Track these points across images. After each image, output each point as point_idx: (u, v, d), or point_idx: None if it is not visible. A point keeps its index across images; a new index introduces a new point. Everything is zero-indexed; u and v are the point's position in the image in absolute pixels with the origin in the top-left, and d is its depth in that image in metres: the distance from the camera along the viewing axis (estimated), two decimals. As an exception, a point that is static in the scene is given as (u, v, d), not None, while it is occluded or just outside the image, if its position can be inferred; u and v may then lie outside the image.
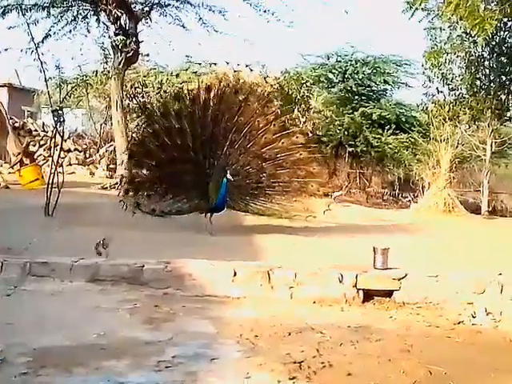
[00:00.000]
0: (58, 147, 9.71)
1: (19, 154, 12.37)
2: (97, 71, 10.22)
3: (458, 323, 4.94)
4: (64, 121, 9.27)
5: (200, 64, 18.40)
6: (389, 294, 5.53)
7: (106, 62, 11.46)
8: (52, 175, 9.38)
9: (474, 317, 5.06)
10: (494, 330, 4.83)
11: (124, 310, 4.87)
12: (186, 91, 14.59)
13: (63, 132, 9.49)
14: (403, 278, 5.51)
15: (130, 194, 8.86)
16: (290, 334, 4.47)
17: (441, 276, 5.55)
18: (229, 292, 5.42)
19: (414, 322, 4.96)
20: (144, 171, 9.01)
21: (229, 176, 8.57)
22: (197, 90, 15.89)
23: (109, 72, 12.37)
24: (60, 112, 9.09)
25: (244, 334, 4.39)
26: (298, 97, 17.52)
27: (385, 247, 5.76)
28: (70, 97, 10.04)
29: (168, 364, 3.78)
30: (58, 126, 9.20)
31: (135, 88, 18.74)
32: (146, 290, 5.42)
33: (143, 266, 5.55)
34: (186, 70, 18.39)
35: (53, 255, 6.00)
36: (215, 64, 18.01)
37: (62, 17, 13.35)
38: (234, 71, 16.72)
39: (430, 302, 5.39)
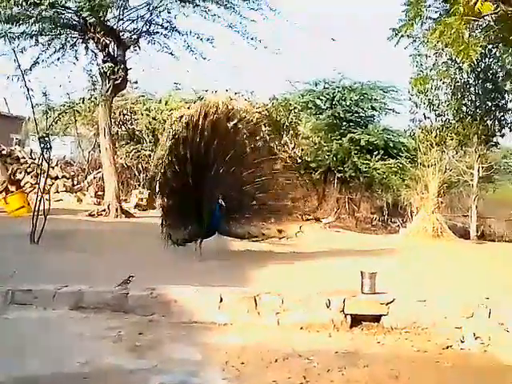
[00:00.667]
0: (45, 174, 9.65)
1: (4, 181, 12.32)
2: (83, 98, 10.19)
3: (447, 347, 4.90)
4: (51, 148, 9.21)
5: (193, 90, 18.42)
6: (377, 318, 5.48)
7: (94, 90, 11.45)
8: (38, 202, 9.28)
9: (462, 341, 5.02)
10: (483, 354, 4.79)
11: (108, 338, 4.79)
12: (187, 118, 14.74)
13: (50, 159, 9.42)
14: (391, 302, 5.48)
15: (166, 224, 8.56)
16: (276, 361, 4.41)
17: (429, 300, 5.52)
18: (215, 318, 5.35)
19: (402, 347, 4.91)
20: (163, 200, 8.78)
21: (221, 201, 8.56)
22: (196, 116, 16.05)
23: (96, 99, 12.36)
24: (47, 139, 9.04)
25: (230, 361, 4.33)
26: (287, 123, 17.59)
27: (372, 272, 5.72)
28: (56, 123, 10.00)
29: (153, 392, 3.71)
30: (44, 153, 9.14)
31: (124, 115, 18.80)
32: (131, 317, 5.34)
33: (127, 293, 5.48)
34: (174, 97, 18.44)
35: (37, 282, 5.92)
36: (206, 91, 18.06)
37: (50, 45, 13.39)
38: (230, 98, 16.78)
39: (418, 326, 5.35)
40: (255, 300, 5.45)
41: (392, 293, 5.64)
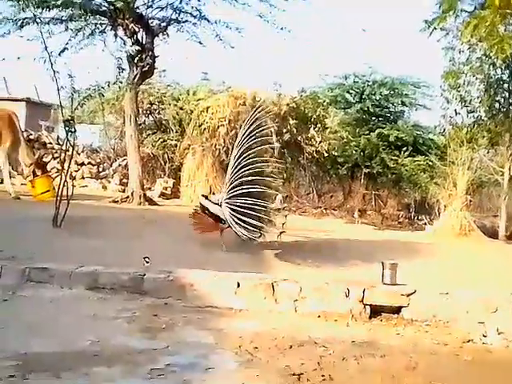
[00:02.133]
0: (70, 159, 9.65)
1: (31, 164, 12.38)
2: (109, 82, 10.18)
3: (468, 341, 4.74)
4: (75, 131, 9.17)
5: (222, 81, 18.32)
6: (397, 310, 5.34)
7: (120, 73, 11.46)
8: (62, 186, 9.28)
9: (484, 336, 4.86)
10: (505, 349, 4.63)
11: (122, 319, 4.74)
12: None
13: (74, 142, 9.39)
14: (412, 294, 5.33)
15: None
16: (291, 347, 4.31)
17: (451, 294, 5.37)
18: (231, 304, 5.27)
19: (421, 339, 4.77)
20: None
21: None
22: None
23: (121, 83, 12.34)
24: (71, 122, 9.02)
25: (243, 346, 4.24)
26: (314, 116, 17.42)
27: (393, 262, 5.59)
28: (81, 107, 9.95)
29: (161, 372, 3.64)
30: (69, 136, 9.13)
31: (151, 104, 18.80)
32: (146, 299, 5.29)
33: (144, 275, 5.42)
34: (202, 87, 18.37)
35: (55, 262, 5.90)
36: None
37: (79, 30, 13.39)
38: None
39: (439, 319, 5.19)
40: (273, 286, 5.35)
41: (413, 285, 5.50)
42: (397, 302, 5.32)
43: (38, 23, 10.84)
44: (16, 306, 4.98)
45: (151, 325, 4.64)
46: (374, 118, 19.52)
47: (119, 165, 17.19)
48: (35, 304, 5.01)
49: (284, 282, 5.43)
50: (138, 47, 13.06)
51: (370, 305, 5.29)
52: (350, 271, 6.76)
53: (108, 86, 10.50)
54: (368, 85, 19.27)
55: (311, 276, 6.11)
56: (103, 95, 10.85)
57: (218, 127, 16.00)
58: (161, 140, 18.56)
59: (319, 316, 5.19)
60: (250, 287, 5.35)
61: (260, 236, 8.27)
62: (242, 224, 7.84)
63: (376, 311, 5.32)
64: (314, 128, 17.41)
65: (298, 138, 17.36)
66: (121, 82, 12.38)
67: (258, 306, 5.25)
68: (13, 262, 5.78)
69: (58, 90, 9.07)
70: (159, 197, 15.39)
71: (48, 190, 11.90)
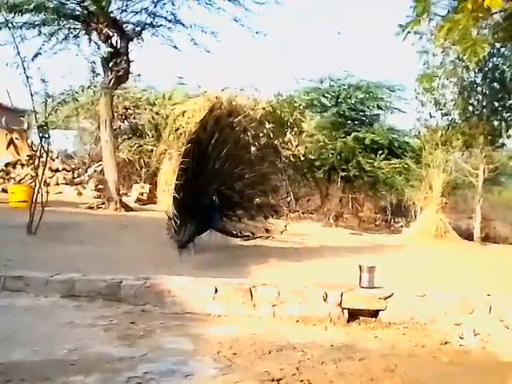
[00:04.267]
0: (43, 165, 9.55)
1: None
2: (83, 86, 10.10)
3: (445, 343, 4.77)
4: (49, 137, 9.10)
5: (198, 85, 18.25)
6: (375, 313, 5.35)
7: (94, 78, 11.37)
8: (36, 193, 9.18)
9: (461, 338, 4.89)
10: (482, 350, 4.66)
11: (99, 327, 4.68)
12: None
13: (48, 148, 9.30)
14: (389, 297, 5.35)
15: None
16: (270, 352, 4.29)
17: (428, 296, 5.39)
18: (209, 309, 5.24)
19: (399, 341, 4.78)
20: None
21: (215, 197, 8.48)
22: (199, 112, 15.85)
23: (95, 87, 12.27)
24: (45, 128, 8.94)
25: (222, 352, 4.22)
26: (291, 120, 17.45)
27: (371, 265, 5.60)
28: (55, 112, 9.85)
29: (139, 380, 3.62)
30: (42, 142, 9.04)
31: (127, 109, 18.70)
32: (123, 306, 5.23)
33: (121, 282, 5.37)
34: (178, 91, 18.32)
35: (30, 270, 5.83)
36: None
37: (52, 35, 13.28)
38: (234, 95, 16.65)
39: (416, 322, 5.22)
40: (251, 291, 5.32)
41: (390, 287, 5.52)
42: (374, 305, 5.33)
43: (9, 28, 10.70)
44: (-9, 315, 4.90)
45: (129, 332, 4.59)
46: (349, 122, 19.64)
47: (94, 170, 17.05)
48: (11, 313, 4.93)
49: (262, 287, 5.40)
50: (112, 51, 12.97)
51: (348, 308, 5.29)
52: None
53: (82, 90, 10.46)
54: (343, 88, 19.39)
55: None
56: (77, 100, 10.77)
57: (195, 131, 15.94)
58: (137, 145, 18.48)
59: (298, 320, 5.18)
60: (228, 292, 5.32)
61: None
62: None
63: (354, 314, 5.33)
64: (290, 132, 17.45)
65: (275, 142, 17.36)
66: (95, 87, 12.32)
67: (237, 312, 5.22)
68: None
69: (32, 95, 9.01)
70: (135, 202, 15.31)
71: (26, 201, 11.69)
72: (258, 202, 9.16)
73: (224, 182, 8.82)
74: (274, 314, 5.26)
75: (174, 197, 7.85)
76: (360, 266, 5.61)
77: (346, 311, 5.30)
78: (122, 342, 4.35)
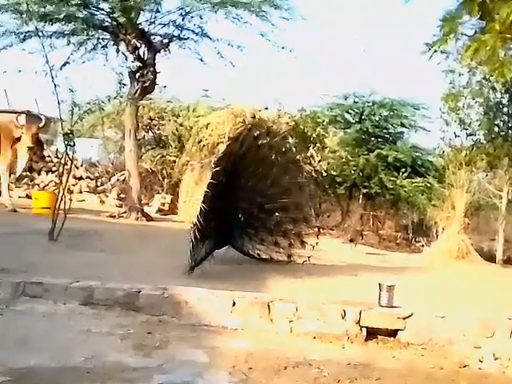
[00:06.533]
0: (67, 172, 9.65)
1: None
2: (109, 97, 10.21)
3: (464, 366, 4.70)
4: (74, 145, 9.20)
5: (222, 99, 18.33)
6: (393, 333, 5.30)
7: (120, 89, 11.47)
8: (59, 200, 9.27)
9: (480, 361, 4.82)
10: (502, 374, 4.59)
11: (116, 335, 4.69)
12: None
13: (73, 156, 9.40)
14: (409, 317, 5.29)
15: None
16: (285, 368, 4.27)
17: (448, 317, 5.33)
18: (226, 322, 5.23)
19: (417, 362, 4.73)
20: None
21: (240, 215, 8.47)
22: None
23: (122, 97, 12.39)
24: (71, 136, 9.04)
25: (237, 366, 4.20)
26: (314, 135, 17.43)
27: (391, 284, 5.55)
28: (81, 121, 9.96)
29: (153, 391, 3.60)
30: (67, 150, 9.14)
31: (151, 120, 18.84)
32: (141, 316, 5.23)
33: (139, 292, 5.38)
34: (202, 104, 18.43)
35: (51, 276, 5.86)
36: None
37: (81, 45, 13.47)
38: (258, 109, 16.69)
39: (435, 343, 5.15)
40: (268, 306, 5.30)
41: (410, 307, 5.46)
42: (393, 324, 5.28)
43: (39, 36, 10.86)
44: (9, 320, 4.93)
45: (145, 342, 4.59)
46: (373, 139, 19.55)
47: (117, 179, 17.17)
48: (29, 319, 4.97)
49: (280, 302, 5.38)
50: (139, 63, 13.11)
51: (367, 327, 5.25)
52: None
53: (108, 100, 10.55)
54: (368, 105, 19.32)
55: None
56: (103, 109, 10.89)
57: (218, 144, 16.01)
58: (160, 155, 18.58)
59: (315, 337, 5.14)
60: (245, 306, 5.31)
61: None
62: None
63: (372, 333, 5.28)
64: (313, 147, 17.42)
65: (298, 157, 17.34)
66: (121, 97, 12.43)
67: (254, 326, 5.20)
68: (7, 276, 5.72)
69: (59, 103, 9.11)
70: (157, 212, 15.37)
71: (49, 207, 11.77)
72: (286, 228, 9.02)
73: (254, 201, 8.72)
74: (291, 329, 5.23)
75: (200, 208, 7.67)
76: (379, 285, 5.57)
77: (364, 329, 5.25)
78: (138, 352, 4.36)
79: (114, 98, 11.39)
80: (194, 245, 7.36)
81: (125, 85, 12.96)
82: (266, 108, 17.05)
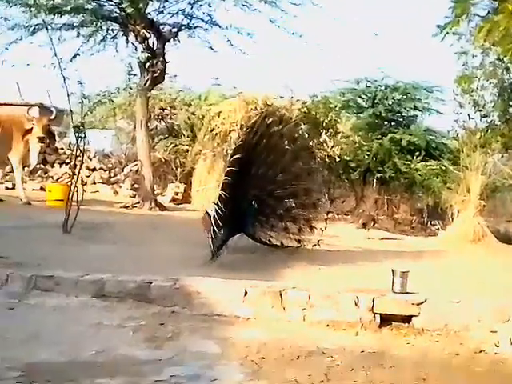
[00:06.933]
0: (79, 164, 9.65)
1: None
2: (119, 88, 10.16)
3: (480, 352, 4.64)
4: (85, 137, 9.19)
5: (233, 86, 18.23)
6: (407, 319, 5.24)
7: (129, 79, 11.39)
8: (72, 192, 9.28)
9: (497, 346, 4.75)
10: (519, 360, 4.51)
11: (127, 328, 4.68)
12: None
13: (84, 148, 9.40)
14: (423, 302, 5.23)
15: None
16: (298, 358, 4.24)
17: (463, 302, 5.26)
18: (238, 312, 5.20)
19: (432, 349, 4.67)
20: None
21: (254, 202, 8.50)
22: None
23: (131, 88, 12.35)
24: (81, 128, 9.03)
25: (249, 356, 4.17)
26: (326, 121, 17.30)
27: (404, 270, 5.49)
28: (91, 113, 9.89)
29: (164, 384, 3.58)
30: (79, 142, 9.14)
31: (163, 109, 18.82)
32: (153, 307, 5.21)
33: (151, 283, 5.36)
34: (213, 92, 18.38)
35: (64, 269, 5.87)
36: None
37: (91, 36, 13.43)
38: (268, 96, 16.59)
39: (450, 329, 5.09)
40: (281, 295, 5.27)
41: (424, 293, 5.40)
42: (407, 311, 5.22)
43: (47, 29, 10.83)
44: (21, 314, 4.94)
45: (157, 334, 4.58)
46: (386, 123, 19.38)
47: (130, 170, 17.18)
48: (41, 312, 4.97)
49: (292, 290, 5.34)
50: (148, 53, 13.05)
51: (380, 314, 5.19)
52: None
53: (118, 92, 10.49)
54: (380, 89, 19.13)
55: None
56: (113, 101, 10.85)
57: (230, 132, 15.96)
58: (172, 145, 18.57)
59: (328, 325, 5.10)
60: (257, 295, 5.28)
61: None
62: None
63: (386, 320, 5.23)
64: (325, 133, 17.29)
65: (310, 143, 17.24)
66: (131, 88, 12.39)
67: (266, 315, 5.17)
68: (19, 270, 5.73)
69: (68, 96, 9.10)
70: (170, 202, 15.37)
71: (62, 200, 11.78)
72: (296, 213, 9.03)
73: (265, 188, 8.74)
74: (304, 318, 5.19)
75: (219, 195, 7.72)
76: (393, 271, 5.51)
77: (377, 316, 5.20)
78: (150, 344, 4.34)
79: (124, 89, 11.32)
80: (215, 233, 7.44)
81: (134, 75, 12.89)
82: (282, 97, 16.89)
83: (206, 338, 4.58)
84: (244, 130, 8.43)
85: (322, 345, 4.53)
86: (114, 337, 4.45)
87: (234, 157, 7.82)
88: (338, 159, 17.32)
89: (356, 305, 5.21)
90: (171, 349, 4.24)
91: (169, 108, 18.97)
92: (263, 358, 4.15)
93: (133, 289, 5.34)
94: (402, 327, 5.18)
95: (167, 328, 4.74)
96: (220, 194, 7.67)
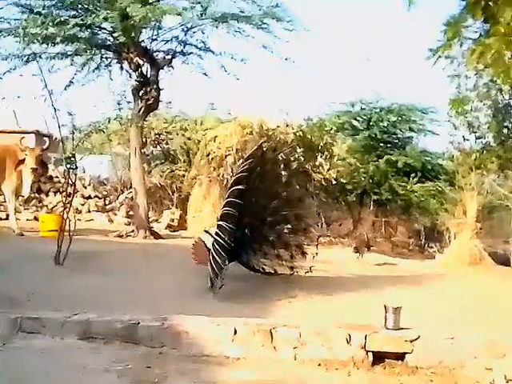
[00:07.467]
0: (70, 194, 9.60)
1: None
2: (109, 118, 10.14)
3: (475, 391, 4.53)
4: (77, 168, 9.18)
5: (229, 112, 18.27)
6: (401, 356, 5.14)
7: (120, 110, 11.40)
8: (63, 223, 9.22)
9: (492, 384, 4.65)
10: (514, 400, 4.41)
11: (113, 372, 4.57)
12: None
13: (76, 177, 9.36)
14: (416, 339, 5.13)
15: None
16: (287, 402, 4.13)
17: (457, 338, 5.16)
18: (228, 352, 5.10)
19: (425, 389, 4.56)
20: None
21: (247, 230, 8.53)
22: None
23: (121, 118, 12.33)
24: (72, 159, 9.01)
25: (237, 402, 4.07)
26: (321, 144, 17.30)
27: (397, 306, 5.39)
28: (82, 144, 9.88)
29: None
30: (70, 173, 9.11)
31: (159, 135, 18.82)
32: (140, 348, 5.11)
33: (138, 323, 5.26)
34: (209, 117, 18.39)
35: (54, 306, 5.80)
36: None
37: (85, 65, 13.45)
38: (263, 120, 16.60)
39: (444, 366, 4.99)
40: (271, 333, 5.17)
41: (418, 329, 5.30)
42: (400, 348, 5.12)
43: (37, 61, 10.83)
44: (6, 357, 4.83)
45: (143, 378, 4.47)
46: (382, 145, 19.40)
47: (125, 197, 17.12)
48: (25, 356, 4.87)
49: (283, 328, 5.25)
50: (142, 80, 13.06)
51: (373, 351, 5.10)
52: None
53: (109, 122, 10.48)
54: (375, 112, 19.18)
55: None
56: (104, 131, 10.79)
57: (226, 156, 15.96)
58: (169, 170, 18.56)
59: (320, 364, 5.00)
60: (247, 334, 5.18)
61: None
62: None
63: (379, 357, 5.13)
64: (321, 156, 17.28)
65: (306, 166, 17.22)
66: (121, 118, 12.37)
67: (256, 354, 5.07)
68: (4, 312, 5.61)
69: (59, 127, 9.08)
70: (166, 228, 15.30)
71: (56, 230, 11.67)
72: (286, 240, 8.97)
73: (258, 215, 8.74)
74: (295, 356, 5.10)
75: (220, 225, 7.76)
76: (385, 307, 5.41)
77: (370, 354, 5.10)
78: (135, 390, 4.23)
79: (114, 119, 11.30)
80: (216, 262, 7.41)
81: (129, 102, 12.88)
82: (278, 126, 16.82)
83: (193, 381, 4.48)
84: (245, 161, 8.41)
85: (312, 387, 4.43)
86: (99, 382, 4.34)
87: (234, 188, 7.87)
88: (334, 182, 17.32)
89: (348, 342, 5.12)
90: (157, 395, 4.13)
91: (165, 133, 18.97)
92: (251, 403, 4.05)
93: (120, 329, 5.24)
94: (396, 365, 5.08)
95: (154, 371, 4.63)
96: (221, 225, 7.73)
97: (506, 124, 15.06)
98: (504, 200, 15.11)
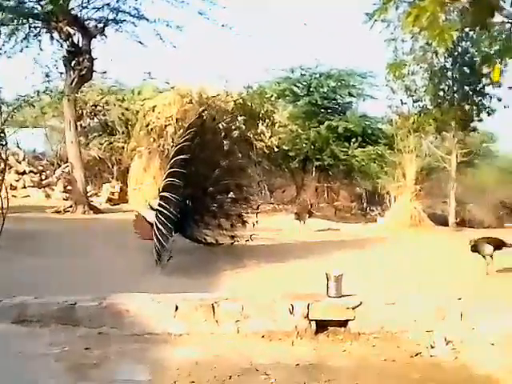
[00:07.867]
0: (2, 170, 9.21)
1: None
2: (38, 91, 9.73)
3: (416, 355, 4.57)
4: (6, 144, 8.77)
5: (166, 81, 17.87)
6: (343, 323, 5.14)
7: (49, 82, 10.96)
8: (-3, 200, 8.85)
9: (432, 347, 4.70)
10: (454, 361, 4.46)
11: (49, 356, 4.40)
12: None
13: (6, 156, 8.97)
14: (358, 306, 5.13)
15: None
16: (230, 378, 4.06)
17: (398, 303, 5.20)
18: (170, 329, 4.98)
19: (368, 356, 4.57)
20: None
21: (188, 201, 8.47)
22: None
23: (51, 91, 11.89)
24: (1, 135, 8.60)
25: (179, 381, 3.97)
26: (262, 112, 17.18)
27: (338, 274, 5.37)
28: (12, 118, 9.41)
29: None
30: (0, 149, 8.72)
31: (95, 106, 18.31)
32: (79, 330, 4.93)
33: (75, 304, 5.08)
34: (147, 86, 17.96)
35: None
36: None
37: (12, 35, 12.86)
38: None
39: (386, 331, 5.02)
40: (213, 307, 5.07)
41: (360, 295, 5.30)
42: (343, 315, 5.11)
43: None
44: None
45: (82, 361, 4.31)
46: (322, 111, 19.47)
47: (62, 171, 16.66)
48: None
49: (225, 302, 5.16)
50: (73, 49, 12.60)
51: (316, 320, 5.07)
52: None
53: (38, 95, 10.05)
54: (315, 77, 19.19)
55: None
56: (33, 106, 10.33)
57: (166, 127, 15.67)
58: (107, 142, 18.14)
59: (263, 336, 4.94)
60: (189, 309, 5.07)
61: None
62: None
63: (322, 326, 5.11)
64: (262, 123, 17.18)
65: (248, 134, 17.10)
66: (51, 91, 11.92)
67: (199, 330, 4.97)
68: None
69: (-14, 101, 8.67)
70: (106, 202, 14.99)
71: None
72: (227, 210, 8.98)
73: (199, 186, 8.67)
74: (238, 330, 5.03)
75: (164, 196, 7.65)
76: (327, 275, 5.37)
77: (313, 323, 5.08)
78: (73, 375, 4.08)
79: (44, 92, 10.86)
80: (163, 235, 7.34)
81: (61, 73, 12.40)
82: (218, 94, 16.57)
83: (134, 362, 4.36)
84: (185, 132, 8.28)
85: (256, 360, 4.37)
86: (34, 368, 4.16)
87: (177, 157, 7.79)
88: (276, 149, 17.28)
89: (291, 312, 5.07)
90: (96, 378, 3.99)
91: (101, 104, 18.47)
92: (193, 382, 3.96)
93: (56, 311, 5.04)
94: (339, 332, 5.07)
95: (93, 353, 4.47)
96: (165, 196, 7.58)
97: (442, 87, 15.27)
98: (441, 162, 15.41)
